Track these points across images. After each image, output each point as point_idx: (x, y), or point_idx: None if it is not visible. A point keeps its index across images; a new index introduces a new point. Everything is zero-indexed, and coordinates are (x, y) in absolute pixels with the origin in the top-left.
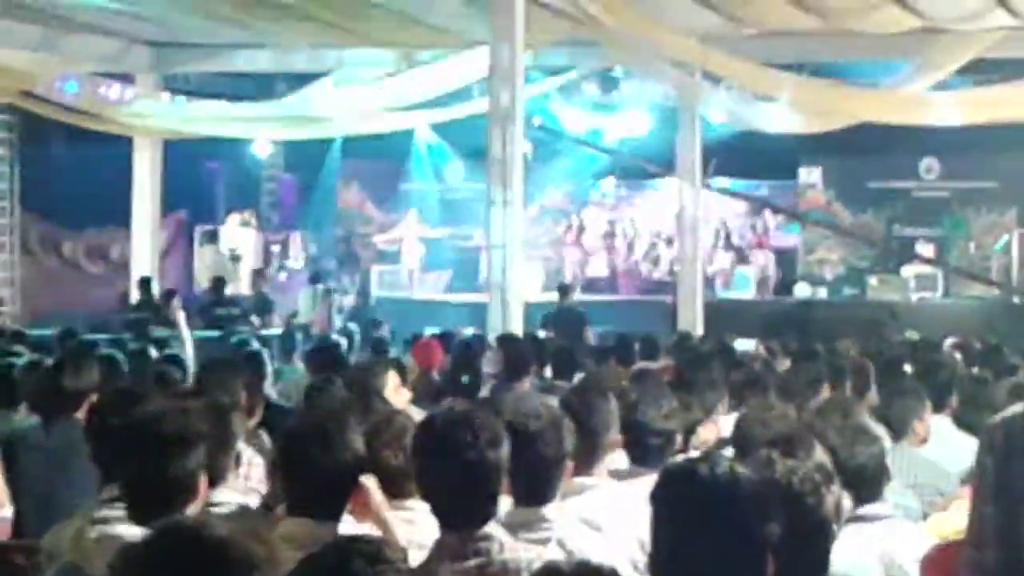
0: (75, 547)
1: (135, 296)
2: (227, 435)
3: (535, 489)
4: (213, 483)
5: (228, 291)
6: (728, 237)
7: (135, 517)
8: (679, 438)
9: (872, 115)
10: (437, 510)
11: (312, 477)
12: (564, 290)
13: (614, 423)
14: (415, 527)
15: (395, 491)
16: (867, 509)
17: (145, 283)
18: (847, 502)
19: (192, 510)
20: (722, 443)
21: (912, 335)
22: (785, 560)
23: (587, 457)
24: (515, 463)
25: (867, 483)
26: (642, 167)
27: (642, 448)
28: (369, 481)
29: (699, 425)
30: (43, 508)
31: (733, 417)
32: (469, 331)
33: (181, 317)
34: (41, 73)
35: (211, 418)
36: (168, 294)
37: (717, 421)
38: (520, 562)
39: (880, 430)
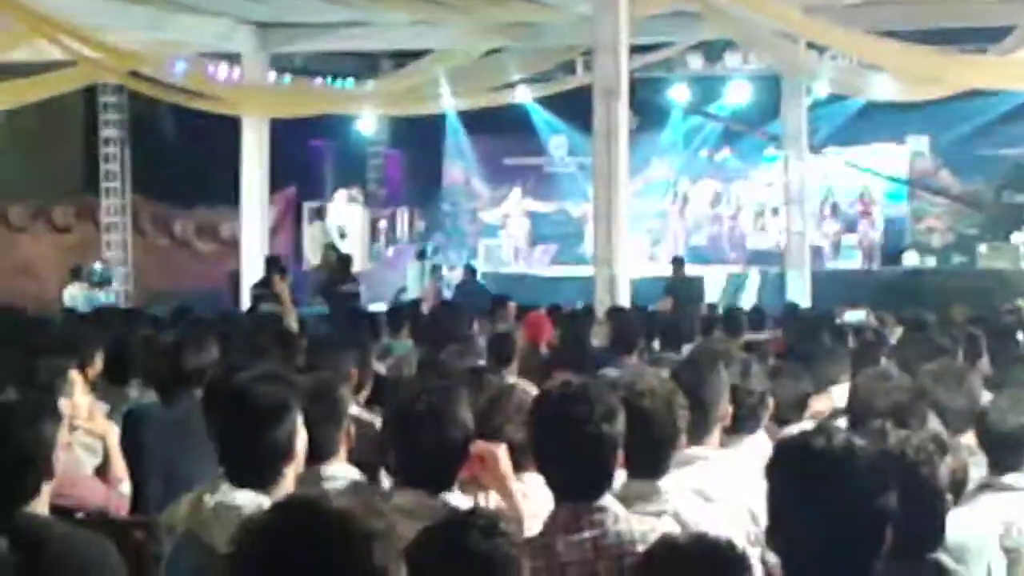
0: (192, 517)
1: (248, 274)
2: (335, 410)
3: (649, 463)
4: (324, 458)
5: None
6: (835, 207)
7: (233, 481)
8: (771, 401)
9: (979, 81)
10: (553, 483)
11: (422, 450)
12: (678, 261)
13: (725, 394)
14: (528, 500)
15: (512, 464)
16: (1005, 479)
17: (268, 262)
18: (978, 471)
19: (290, 475)
20: (837, 413)
21: (1023, 303)
22: (899, 530)
23: (698, 428)
24: (629, 438)
25: (1010, 451)
26: (748, 138)
27: (739, 411)
28: (500, 450)
29: (810, 397)
30: (164, 484)
31: (846, 387)
32: (577, 305)
33: (284, 290)
34: (150, 54)
35: (318, 393)
36: (269, 266)
37: (831, 392)
38: (635, 534)
39: None
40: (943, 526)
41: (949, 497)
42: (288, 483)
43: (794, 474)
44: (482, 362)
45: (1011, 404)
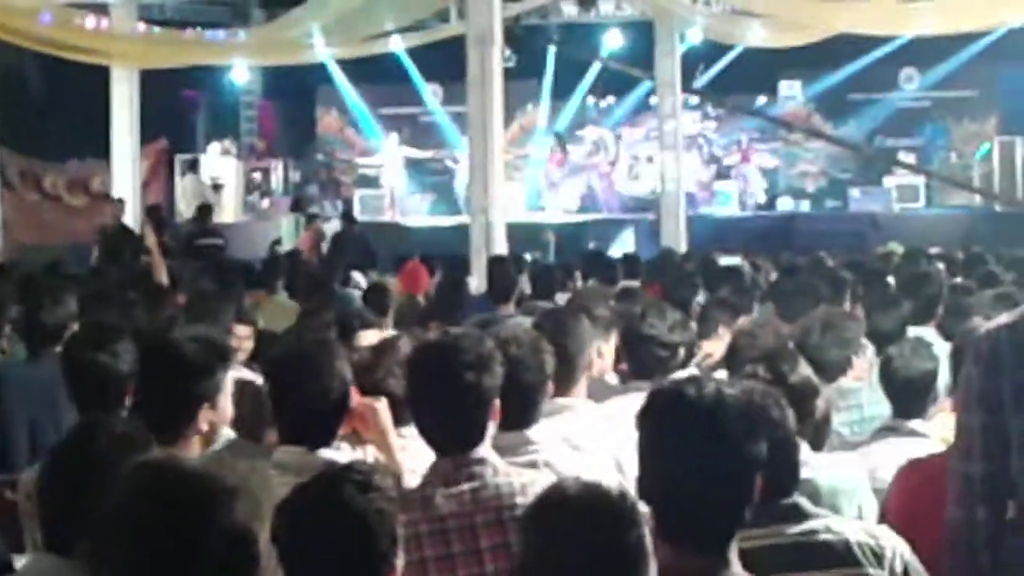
0: None
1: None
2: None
3: (519, 413)
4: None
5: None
6: (711, 153)
7: None
8: (681, 352)
9: (850, 26)
10: (429, 435)
11: (300, 405)
12: None
13: (589, 343)
14: (407, 453)
15: (394, 418)
16: (911, 423)
17: (147, 212)
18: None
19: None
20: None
21: (895, 246)
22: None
23: (563, 378)
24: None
25: (915, 396)
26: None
27: (646, 360)
28: (380, 404)
29: (696, 344)
30: (28, 444)
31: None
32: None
33: (153, 243)
34: (17, 5)
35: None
36: (146, 216)
37: (723, 337)
38: (514, 486)
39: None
40: (797, 470)
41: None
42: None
43: (664, 422)
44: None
45: (914, 350)
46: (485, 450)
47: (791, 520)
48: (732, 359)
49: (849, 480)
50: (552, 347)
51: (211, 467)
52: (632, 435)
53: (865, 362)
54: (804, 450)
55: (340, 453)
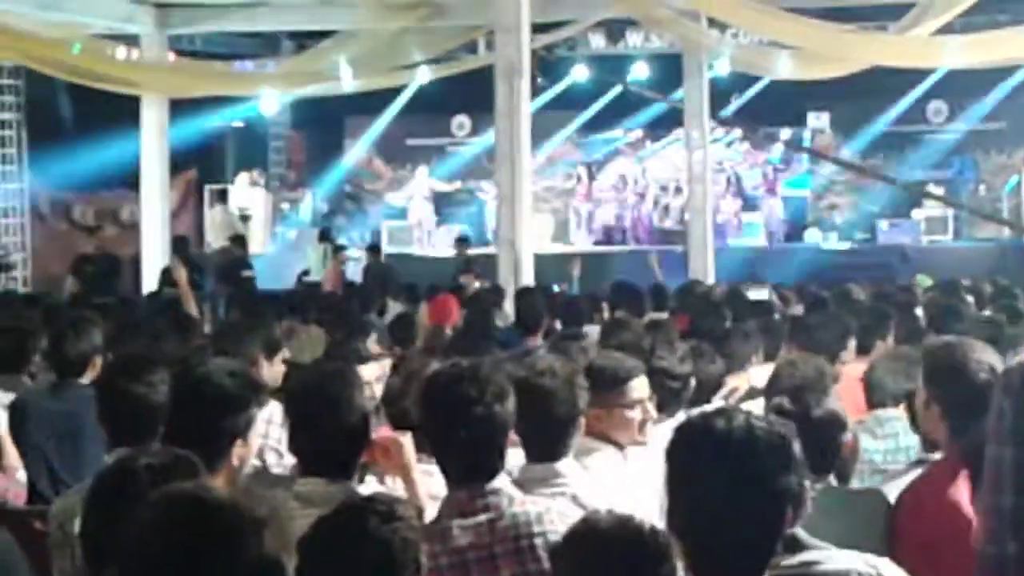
0: None
1: (148, 257)
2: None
3: (549, 446)
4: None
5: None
6: (739, 184)
7: None
8: (693, 383)
9: (880, 59)
10: (444, 466)
11: (320, 436)
12: None
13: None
14: (434, 479)
15: (417, 445)
16: (928, 456)
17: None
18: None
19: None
20: (754, 393)
21: (923, 279)
22: None
23: None
24: (529, 420)
25: None
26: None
27: (658, 392)
28: (404, 439)
29: (723, 377)
30: (50, 476)
31: (766, 367)
32: (477, 285)
33: (182, 275)
34: (49, 36)
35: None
36: (176, 249)
37: (748, 371)
38: (530, 515)
39: None
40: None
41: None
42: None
43: (694, 455)
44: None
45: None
46: (501, 480)
47: (788, 551)
48: (771, 390)
49: None
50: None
51: (241, 498)
52: (647, 468)
53: None
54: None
55: (364, 485)
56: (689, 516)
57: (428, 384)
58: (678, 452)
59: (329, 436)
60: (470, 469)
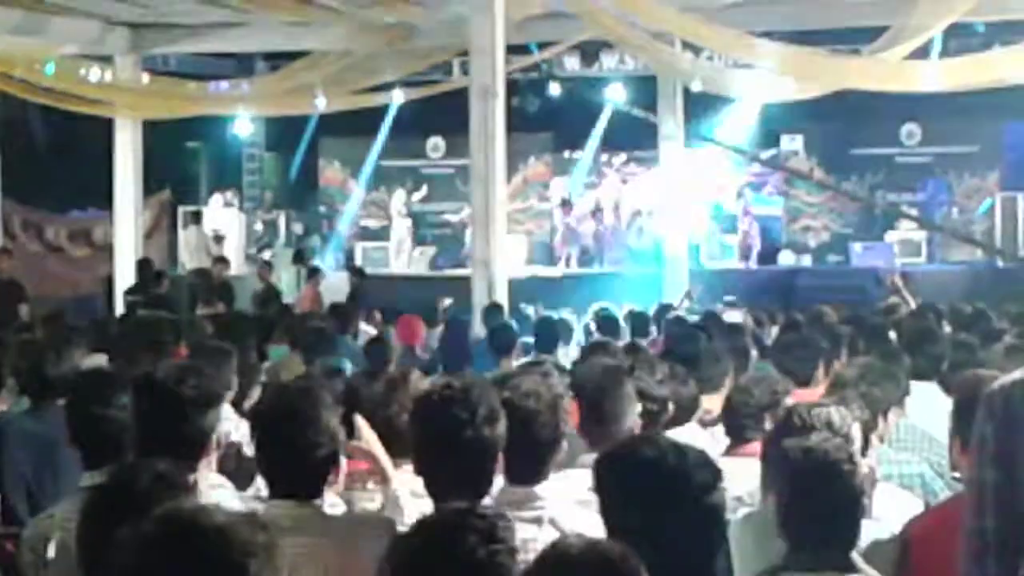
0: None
1: (122, 279)
2: None
3: (529, 468)
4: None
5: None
6: (713, 206)
7: None
8: (671, 407)
9: (853, 82)
10: (432, 486)
11: (286, 457)
12: None
13: (629, 407)
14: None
15: (401, 450)
16: None
17: (142, 265)
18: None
19: (203, 469)
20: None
21: (897, 301)
22: None
23: (598, 439)
24: (511, 442)
25: None
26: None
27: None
28: (358, 419)
29: (698, 399)
30: (31, 495)
31: None
32: (446, 302)
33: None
34: (21, 57)
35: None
36: (143, 271)
37: (721, 392)
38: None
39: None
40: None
41: None
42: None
43: (624, 482)
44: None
45: None
46: (488, 504)
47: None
48: (728, 416)
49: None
50: (591, 411)
51: (236, 522)
52: None
53: (891, 422)
54: None
55: (335, 508)
56: (628, 538)
57: (419, 404)
58: (607, 481)
59: (297, 456)
60: (460, 491)
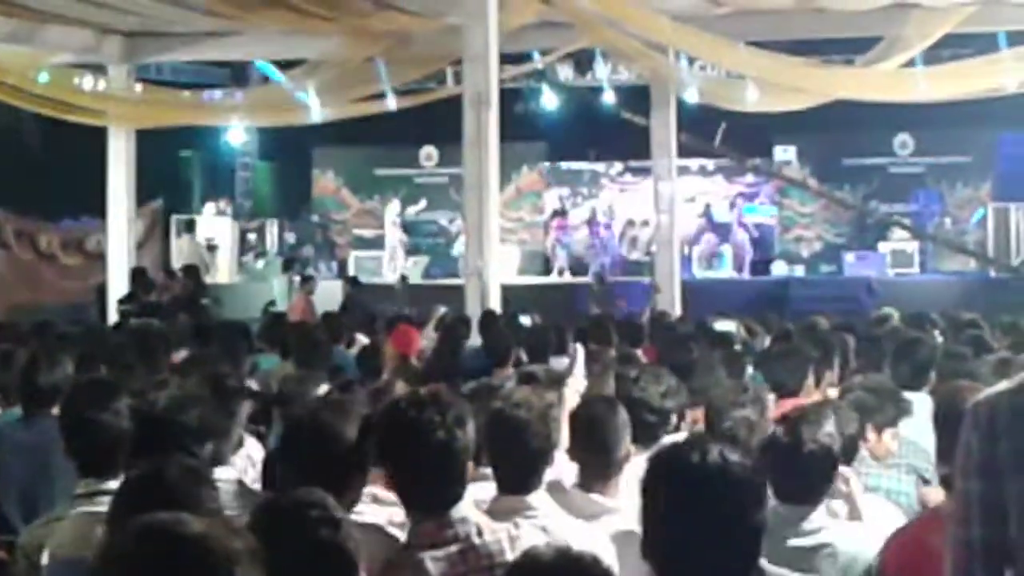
0: (83, 540)
1: (115, 288)
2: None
3: (521, 478)
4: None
5: (206, 280)
6: (711, 218)
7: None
8: (674, 418)
9: (846, 92)
10: (405, 493)
11: (307, 470)
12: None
13: (623, 436)
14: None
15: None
16: None
17: (136, 274)
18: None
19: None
20: None
21: (890, 311)
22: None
23: (598, 474)
24: (503, 452)
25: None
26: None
27: (638, 426)
28: None
29: (686, 409)
30: (20, 506)
31: None
32: (441, 310)
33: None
34: (15, 65)
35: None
36: (135, 280)
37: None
38: (502, 543)
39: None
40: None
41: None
42: None
43: (669, 487)
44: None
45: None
46: (467, 507)
47: None
48: (710, 425)
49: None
50: (585, 440)
51: (216, 530)
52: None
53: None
54: (820, 515)
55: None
56: (664, 546)
57: (388, 411)
58: (652, 483)
59: (318, 470)
60: (433, 496)
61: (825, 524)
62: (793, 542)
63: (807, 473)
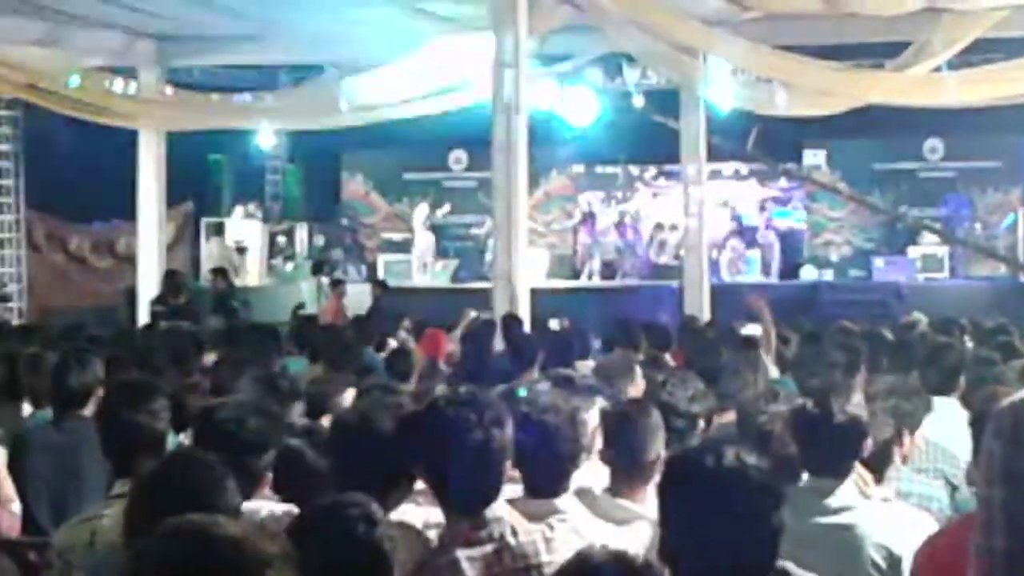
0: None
1: (145, 290)
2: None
3: (549, 481)
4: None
5: (236, 283)
6: (739, 221)
7: None
8: (701, 424)
9: (876, 97)
10: (442, 493)
11: (359, 466)
12: None
13: (654, 439)
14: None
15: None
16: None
17: (167, 277)
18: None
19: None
20: None
21: (919, 316)
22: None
23: (628, 479)
24: (531, 456)
25: None
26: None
27: (665, 430)
28: None
29: (714, 413)
30: (51, 508)
31: None
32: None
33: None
34: (47, 68)
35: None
36: (167, 282)
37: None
38: (536, 543)
39: None
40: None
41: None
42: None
43: (685, 491)
44: None
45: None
46: (501, 508)
47: None
48: (742, 429)
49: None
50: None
51: (250, 534)
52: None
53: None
54: (847, 492)
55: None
56: (682, 550)
57: (426, 411)
58: (669, 487)
59: (365, 469)
60: (468, 496)
61: (851, 503)
62: (818, 520)
63: (837, 444)
